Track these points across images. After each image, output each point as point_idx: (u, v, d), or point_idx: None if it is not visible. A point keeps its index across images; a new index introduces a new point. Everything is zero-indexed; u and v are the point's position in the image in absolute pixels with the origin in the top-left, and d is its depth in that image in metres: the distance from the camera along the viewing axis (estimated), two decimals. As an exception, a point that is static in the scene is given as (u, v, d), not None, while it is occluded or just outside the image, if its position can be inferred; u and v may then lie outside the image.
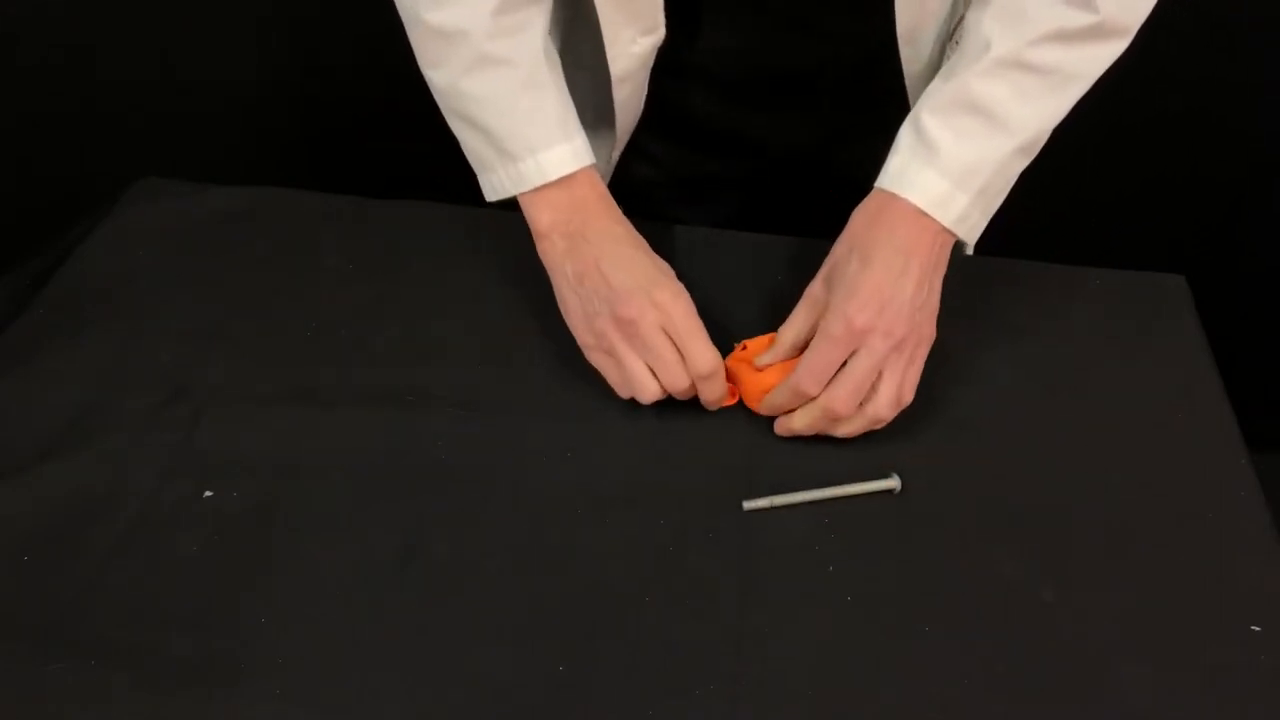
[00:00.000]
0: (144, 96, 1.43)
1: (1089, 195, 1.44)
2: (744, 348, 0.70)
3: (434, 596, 0.59)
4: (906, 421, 0.69)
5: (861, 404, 0.65)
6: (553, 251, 0.72)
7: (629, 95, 0.80)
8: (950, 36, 0.77)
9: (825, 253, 0.69)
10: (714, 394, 0.67)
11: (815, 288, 0.68)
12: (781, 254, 0.80)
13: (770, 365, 0.68)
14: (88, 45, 1.38)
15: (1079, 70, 0.67)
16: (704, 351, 0.66)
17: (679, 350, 0.66)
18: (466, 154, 0.75)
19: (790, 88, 0.83)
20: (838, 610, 0.59)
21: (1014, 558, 0.62)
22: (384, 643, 0.57)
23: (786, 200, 0.90)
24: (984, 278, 0.80)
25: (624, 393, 0.68)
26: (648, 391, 0.67)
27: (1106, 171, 1.41)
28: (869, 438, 0.68)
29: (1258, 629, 0.59)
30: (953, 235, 0.68)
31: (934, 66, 0.77)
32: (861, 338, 0.64)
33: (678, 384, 0.66)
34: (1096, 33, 0.65)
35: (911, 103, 0.74)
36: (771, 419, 0.69)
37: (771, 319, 0.71)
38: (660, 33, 0.75)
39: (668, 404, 0.70)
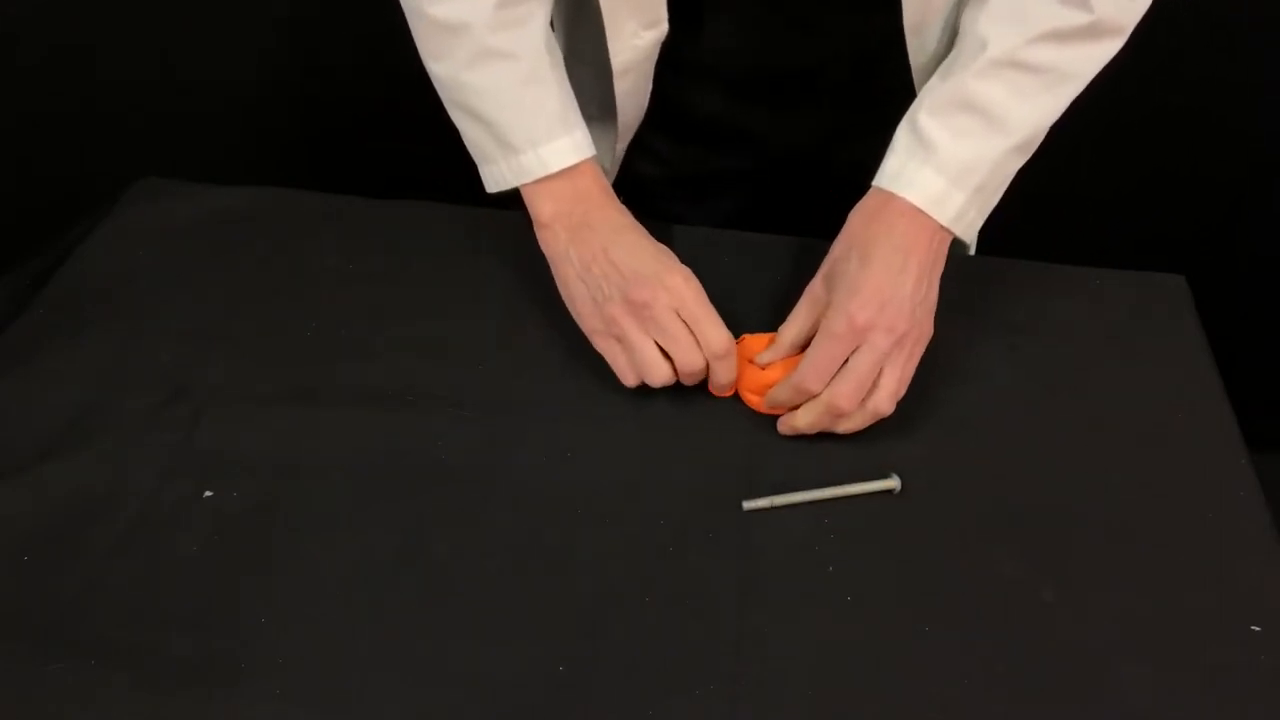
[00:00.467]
0: (144, 96, 1.43)
1: (1089, 195, 1.44)
2: (741, 341, 0.70)
3: (434, 596, 0.59)
4: (906, 421, 0.69)
5: (862, 400, 0.65)
6: (555, 242, 0.72)
7: (631, 89, 0.80)
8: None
9: (825, 253, 0.70)
10: (727, 376, 0.68)
11: (815, 287, 0.69)
12: (781, 254, 0.80)
13: (771, 363, 0.69)
14: (88, 45, 1.39)
15: (1075, 69, 0.67)
16: (718, 332, 0.67)
17: (692, 332, 0.67)
18: (467, 145, 0.76)
19: (792, 85, 0.83)
20: (838, 610, 0.59)
21: (1014, 558, 0.62)
22: (384, 643, 0.57)
23: (788, 199, 0.90)
24: (984, 278, 0.80)
25: (630, 379, 0.68)
26: (659, 373, 0.67)
27: (1106, 171, 1.41)
28: (869, 438, 0.68)
29: (1258, 629, 0.59)
30: (950, 233, 0.68)
31: (940, 58, 0.77)
32: (863, 335, 0.64)
33: (693, 364, 0.67)
34: (1092, 32, 0.66)
35: (918, 93, 0.74)
36: (772, 419, 0.69)
37: (772, 319, 0.71)
38: (663, 27, 0.75)
39: (668, 403, 0.70)
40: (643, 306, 0.66)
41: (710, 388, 0.70)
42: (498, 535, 0.62)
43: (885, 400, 0.65)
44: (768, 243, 0.82)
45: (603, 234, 0.70)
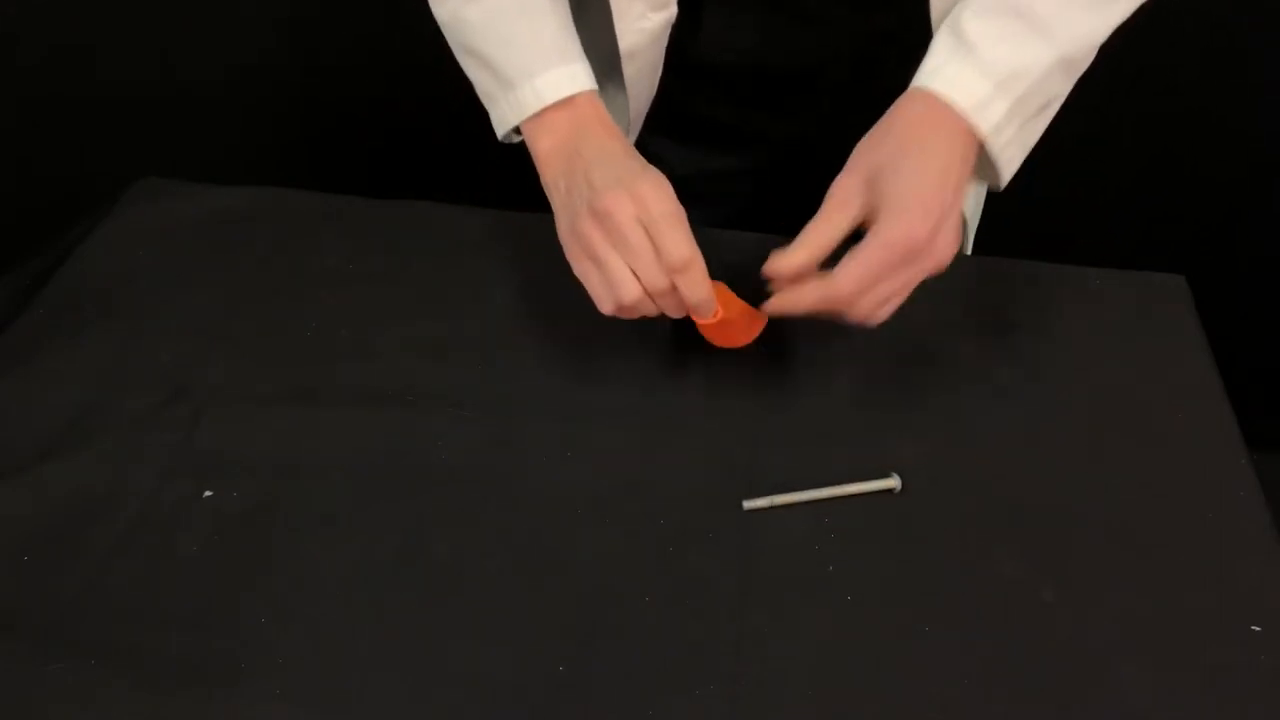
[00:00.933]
0: (144, 96, 1.43)
1: (1089, 195, 1.44)
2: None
3: (434, 596, 0.59)
4: (906, 421, 0.69)
5: None
6: (550, 174, 0.69)
7: (638, 74, 0.79)
8: None
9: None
10: (692, 292, 0.63)
11: (850, 186, 0.63)
12: (781, 254, 0.80)
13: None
14: (88, 45, 1.39)
15: None
16: (678, 241, 0.62)
17: (655, 244, 0.62)
18: (478, 93, 0.74)
19: (792, 85, 0.83)
20: (838, 610, 0.59)
21: (1014, 558, 0.62)
22: (384, 643, 0.57)
23: (788, 200, 0.90)
24: (984, 278, 0.80)
25: (606, 303, 0.65)
26: (628, 290, 0.63)
27: (1106, 171, 1.41)
28: (869, 438, 0.68)
29: (1258, 629, 0.59)
30: (980, 145, 0.64)
31: None
32: (916, 253, 0.61)
33: (655, 280, 0.62)
34: None
35: None
36: (772, 420, 0.69)
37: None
38: (672, 9, 0.74)
39: (668, 402, 0.70)
40: (606, 216, 0.62)
41: (691, 314, 0.65)
42: (498, 535, 0.62)
43: (885, 315, 0.63)
44: (769, 242, 0.82)
45: (589, 158, 0.67)
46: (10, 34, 1.37)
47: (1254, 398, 0.97)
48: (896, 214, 0.60)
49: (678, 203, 0.63)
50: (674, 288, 0.63)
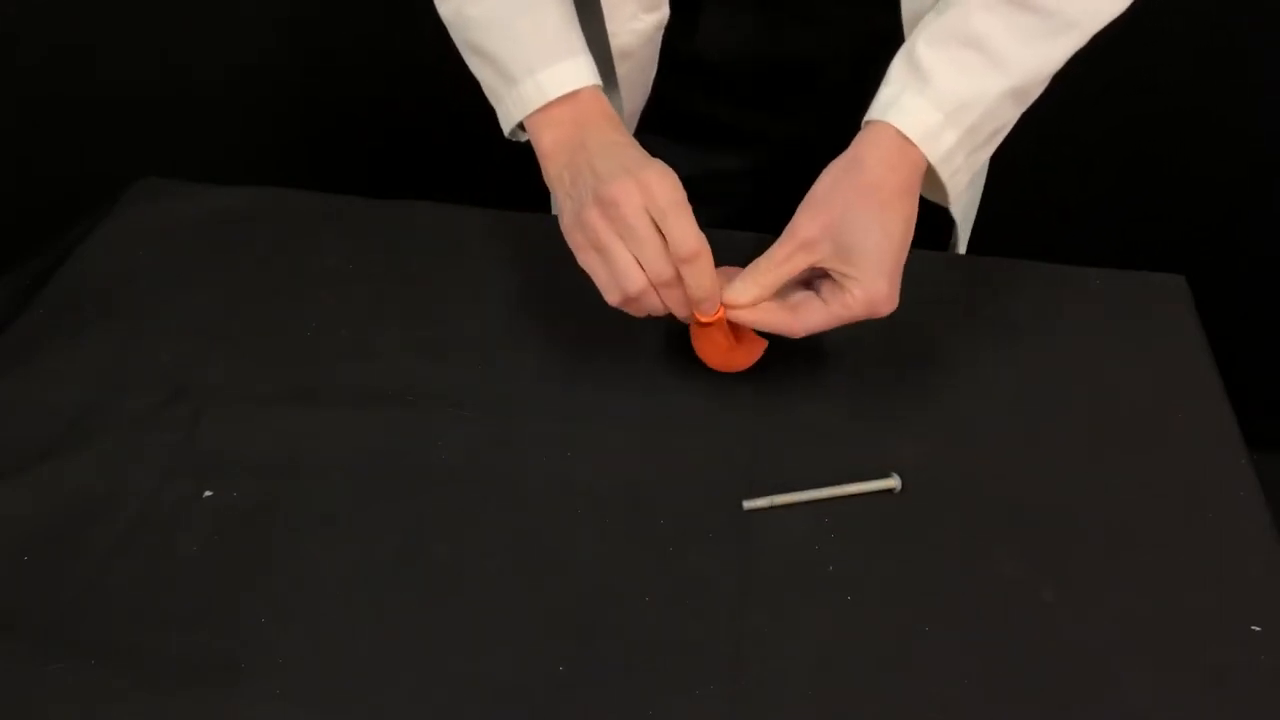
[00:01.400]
0: (144, 96, 1.43)
1: (1089, 195, 1.44)
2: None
3: (434, 596, 0.59)
4: (906, 421, 0.69)
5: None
6: (554, 167, 0.69)
7: (631, 74, 0.79)
8: None
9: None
10: (697, 284, 0.63)
11: (813, 230, 0.64)
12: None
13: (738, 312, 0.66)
14: (88, 45, 1.39)
15: (1076, 18, 0.66)
16: (687, 230, 0.62)
17: (662, 233, 0.63)
18: (485, 91, 0.74)
19: (790, 84, 0.83)
20: (838, 610, 0.59)
21: (1014, 558, 0.62)
22: (384, 643, 0.57)
23: (786, 201, 0.90)
24: (984, 278, 0.80)
25: (612, 294, 0.65)
26: (633, 280, 0.63)
27: (1106, 171, 1.41)
28: (869, 438, 0.68)
29: (1258, 629, 0.59)
30: (926, 174, 0.66)
31: None
32: (875, 312, 0.64)
33: (660, 271, 0.63)
34: None
35: None
36: (772, 420, 0.69)
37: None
38: (664, 10, 0.75)
39: (669, 402, 0.70)
40: (611, 205, 0.63)
41: (694, 309, 0.65)
42: (498, 535, 0.62)
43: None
44: (768, 243, 0.82)
45: (593, 150, 0.67)
46: (10, 34, 1.37)
47: (1254, 398, 0.97)
48: (865, 286, 0.63)
49: (684, 192, 0.64)
50: (679, 279, 0.63)
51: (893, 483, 0.65)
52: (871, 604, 0.60)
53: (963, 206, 0.87)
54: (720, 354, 0.68)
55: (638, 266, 0.63)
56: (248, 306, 0.77)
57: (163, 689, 0.55)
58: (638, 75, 0.80)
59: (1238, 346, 1.52)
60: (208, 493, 0.64)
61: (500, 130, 0.73)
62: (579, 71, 0.69)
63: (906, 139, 0.64)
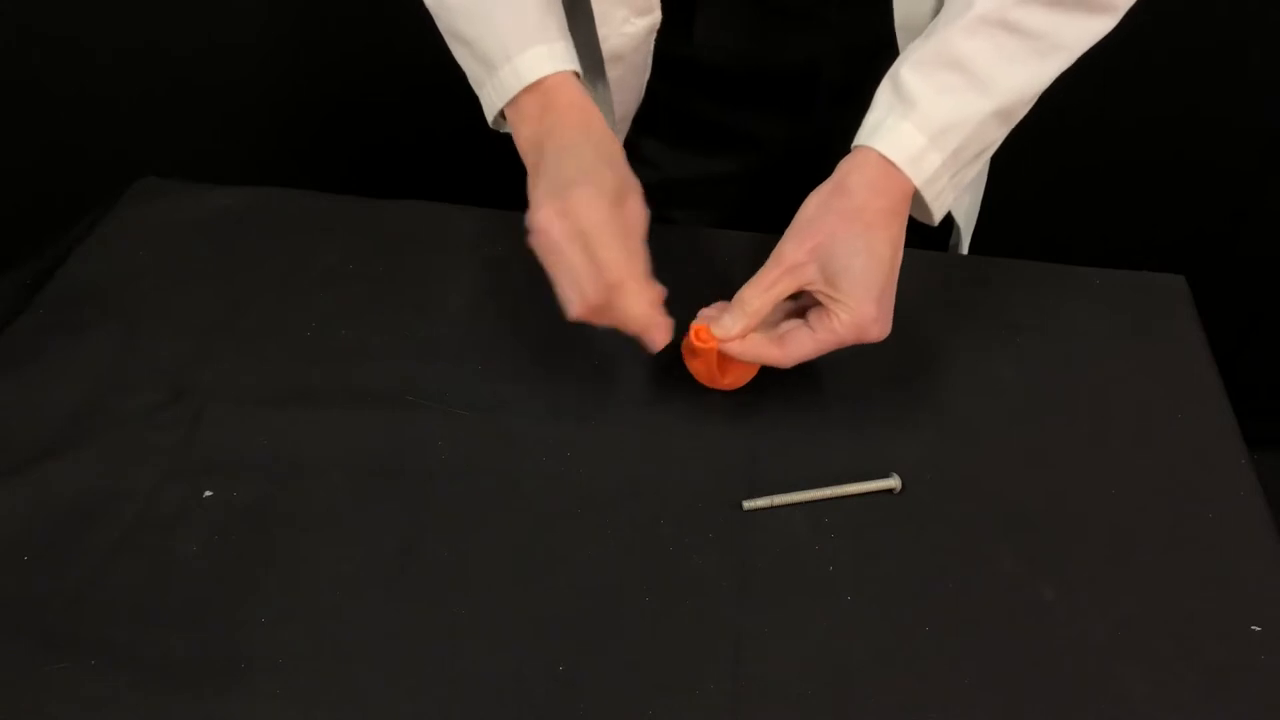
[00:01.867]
0: (144, 97, 1.43)
1: (1089, 195, 1.44)
2: (698, 335, 0.66)
3: (434, 596, 0.59)
4: (906, 421, 0.69)
5: None
6: (528, 166, 0.69)
7: (623, 78, 0.79)
8: None
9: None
10: (625, 315, 0.63)
11: (799, 256, 0.64)
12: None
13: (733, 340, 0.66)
14: (88, 45, 1.39)
15: (1063, 39, 0.66)
16: (606, 258, 0.61)
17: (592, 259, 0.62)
18: (469, 80, 0.73)
19: (786, 86, 0.83)
20: (838, 610, 0.59)
21: (1014, 557, 0.62)
22: (384, 643, 0.57)
23: (782, 203, 0.90)
24: (984, 278, 0.80)
25: (567, 314, 0.65)
26: (572, 308, 0.63)
27: (1107, 171, 1.41)
28: (869, 438, 0.68)
29: (1258, 629, 0.59)
30: (913, 199, 0.66)
31: None
32: (863, 338, 0.64)
33: (592, 297, 0.62)
34: (1084, 2, 0.65)
35: None
36: (772, 420, 0.69)
37: (771, 319, 0.71)
38: (655, 15, 0.74)
39: (668, 402, 0.70)
40: (541, 235, 0.63)
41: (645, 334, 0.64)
42: (497, 535, 0.62)
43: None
44: (767, 243, 0.82)
45: (546, 155, 0.66)
46: (10, 34, 1.37)
47: (1254, 398, 0.97)
48: (852, 310, 0.63)
49: (609, 211, 0.62)
50: (613, 300, 0.63)
51: (893, 483, 0.65)
52: (871, 604, 0.60)
53: (965, 208, 0.87)
54: (710, 379, 0.69)
55: (575, 294, 0.63)
56: (247, 306, 0.77)
57: (163, 689, 0.55)
58: (630, 79, 0.80)
59: (1238, 346, 1.53)
60: (208, 493, 0.64)
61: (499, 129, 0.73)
62: (555, 56, 0.68)
63: (891, 163, 0.64)
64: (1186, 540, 0.63)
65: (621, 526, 0.63)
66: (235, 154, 1.47)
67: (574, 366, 0.72)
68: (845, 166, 0.66)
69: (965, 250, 0.90)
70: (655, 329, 0.63)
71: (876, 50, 0.76)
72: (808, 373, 0.72)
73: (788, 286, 0.65)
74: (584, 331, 0.72)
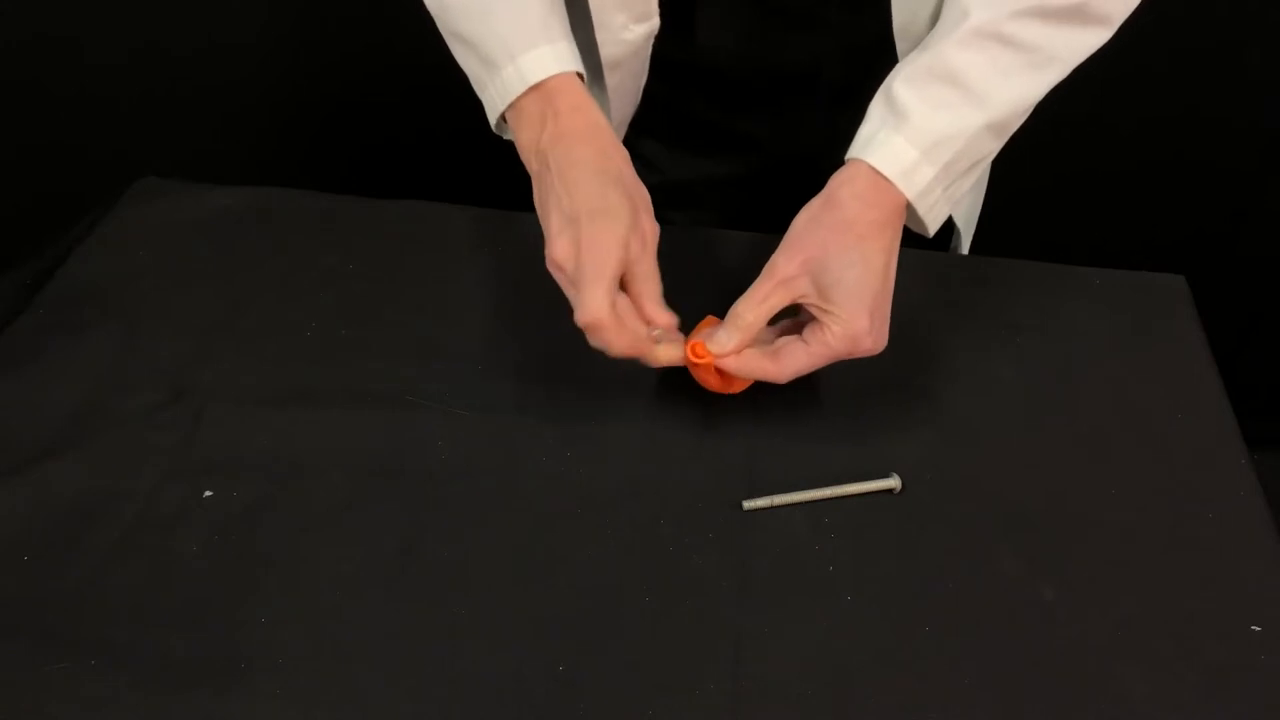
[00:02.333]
0: (144, 96, 1.43)
1: (1089, 195, 1.44)
2: (694, 351, 0.66)
3: (433, 596, 0.59)
4: (906, 421, 0.69)
5: None
6: (529, 170, 0.69)
7: (621, 83, 0.79)
8: None
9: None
10: (614, 348, 0.63)
11: (791, 269, 0.64)
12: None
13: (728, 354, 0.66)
14: (88, 45, 1.39)
15: (1057, 52, 0.66)
16: (588, 298, 0.61)
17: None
18: (471, 82, 0.73)
19: (785, 88, 0.83)
20: (838, 610, 0.59)
21: (1014, 557, 0.62)
22: (384, 643, 0.57)
23: (781, 205, 0.90)
24: (984, 278, 0.80)
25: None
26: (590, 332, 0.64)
27: (1107, 171, 1.41)
28: (869, 438, 0.68)
29: (1258, 629, 0.59)
30: (907, 211, 0.66)
31: None
32: (857, 350, 0.64)
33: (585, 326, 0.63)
34: (1079, 15, 0.65)
35: None
36: (772, 420, 0.69)
37: (771, 319, 0.71)
38: (654, 21, 0.74)
39: (668, 402, 0.70)
40: (558, 269, 0.64)
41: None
42: (497, 535, 0.62)
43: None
44: (767, 243, 0.82)
45: (555, 173, 0.66)
46: (10, 34, 1.37)
47: (1254, 398, 0.97)
48: (845, 322, 0.63)
49: (618, 247, 0.62)
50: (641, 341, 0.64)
51: (893, 483, 0.65)
52: (871, 604, 0.60)
53: (964, 211, 0.87)
54: (714, 388, 0.69)
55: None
56: (247, 306, 0.77)
57: (163, 689, 0.55)
58: (628, 84, 0.80)
59: (1238, 346, 1.53)
60: (208, 493, 0.64)
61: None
62: (559, 57, 0.68)
63: (883, 176, 0.64)
64: (1186, 540, 0.63)
65: (621, 526, 0.63)
66: (235, 154, 1.47)
67: (574, 366, 0.72)
68: (837, 180, 0.66)
69: (966, 251, 0.90)
70: (650, 357, 0.65)
71: (876, 52, 0.76)
72: (810, 373, 0.72)
73: (781, 300, 0.65)
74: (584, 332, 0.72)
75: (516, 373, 0.72)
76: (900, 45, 0.75)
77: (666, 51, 0.78)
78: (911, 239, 0.69)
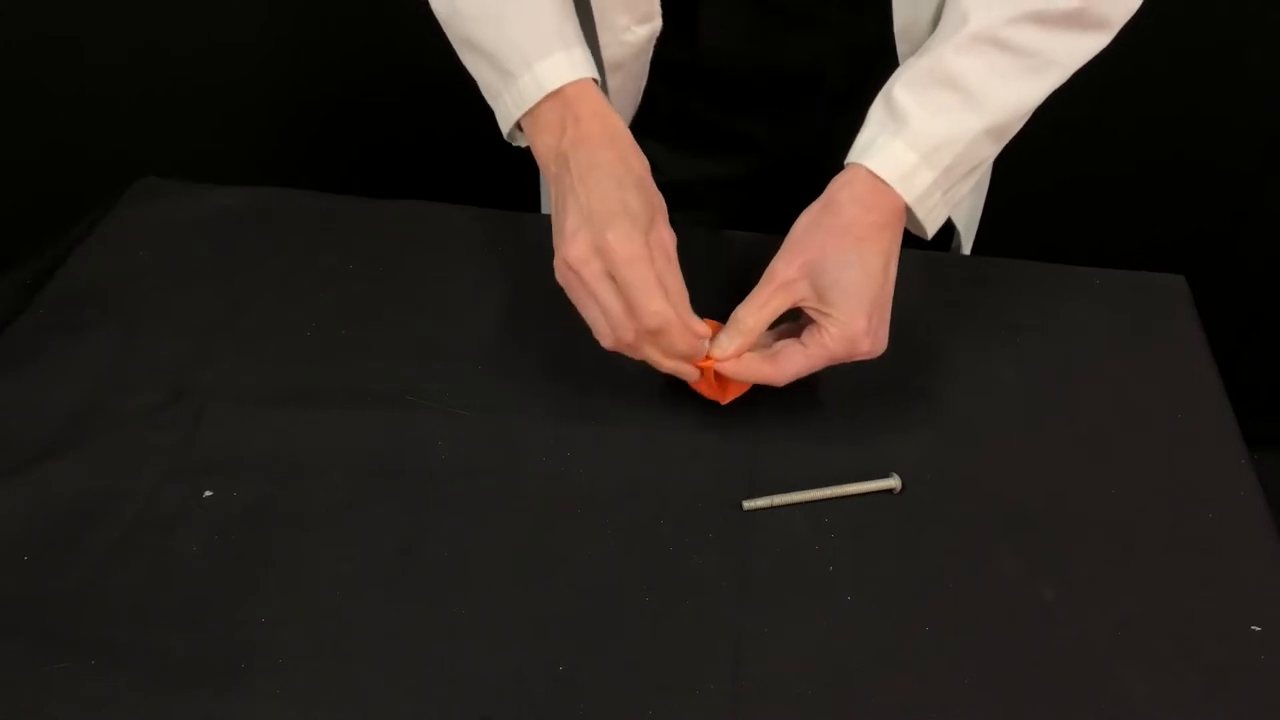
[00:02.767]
0: (143, 96, 1.43)
1: (1089, 195, 1.44)
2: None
3: (433, 596, 0.59)
4: (906, 421, 0.69)
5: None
6: (548, 179, 0.68)
7: (622, 85, 0.79)
8: None
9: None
10: (664, 356, 0.64)
11: (790, 273, 0.64)
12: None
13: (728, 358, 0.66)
14: (88, 45, 1.39)
15: (1056, 57, 0.66)
16: (647, 304, 0.61)
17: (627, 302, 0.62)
18: (482, 90, 0.73)
19: (787, 87, 0.83)
20: (838, 610, 0.59)
21: (1014, 557, 0.62)
22: (384, 643, 0.57)
23: (781, 206, 0.90)
24: (984, 278, 0.80)
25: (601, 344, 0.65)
26: (604, 341, 0.64)
27: (1107, 172, 1.42)
28: (869, 438, 0.68)
29: (1258, 629, 0.59)
30: (907, 214, 0.66)
31: None
32: (855, 352, 0.64)
33: (623, 337, 0.63)
34: (1077, 20, 0.65)
35: None
36: (772, 420, 0.69)
37: (771, 319, 0.71)
38: (656, 23, 0.74)
39: (668, 402, 0.70)
40: (574, 270, 0.63)
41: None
42: (497, 535, 0.62)
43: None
44: (767, 243, 0.82)
45: (575, 175, 0.65)
46: (10, 35, 1.37)
47: (1254, 398, 0.97)
48: (842, 324, 0.63)
49: (643, 248, 0.62)
50: (647, 339, 0.63)
51: (893, 483, 0.65)
52: (871, 604, 0.60)
53: (965, 213, 0.87)
54: (712, 395, 0.68)
55: (607, 329, 0.63)
56: (247, 306, 0.77)
57: (163, 689, 0.55)
58: (629, 85, 0.80)
59: (1238, 346, 1.53)
60: (208, 493, 0.64)
61: (499, 129, 0.73)
62: (575, 64, 0.68)
63: (881, 180, 0.64)
64: (1186, 540, 0.63)
65: (621, 526, 0.63)
66: (235, 154, 1.47)
67: (574, 366, 0.72)
68: (836, 184, 0.66)
69: (967, 252, 0.90)
70: (687, 371, 0.65)
71: (876, 53, 0.76)
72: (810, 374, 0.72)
73: (781, 304, 0.65)
74: (584, 332, 0.72)
75: (516, 373, 0.72)
76: (901, 47, 0.75)
77: (667, 52, 0.78)
78: (912, 239, 0.69)
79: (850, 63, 0.80)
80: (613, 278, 0.62)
